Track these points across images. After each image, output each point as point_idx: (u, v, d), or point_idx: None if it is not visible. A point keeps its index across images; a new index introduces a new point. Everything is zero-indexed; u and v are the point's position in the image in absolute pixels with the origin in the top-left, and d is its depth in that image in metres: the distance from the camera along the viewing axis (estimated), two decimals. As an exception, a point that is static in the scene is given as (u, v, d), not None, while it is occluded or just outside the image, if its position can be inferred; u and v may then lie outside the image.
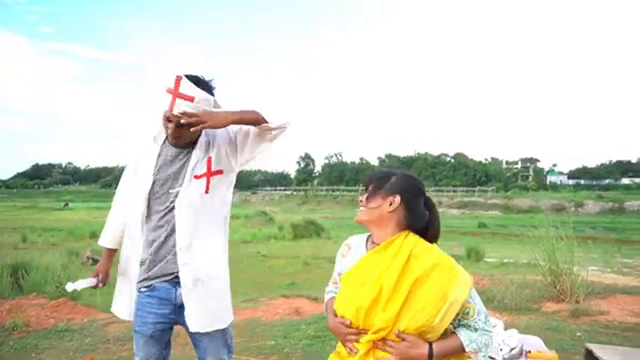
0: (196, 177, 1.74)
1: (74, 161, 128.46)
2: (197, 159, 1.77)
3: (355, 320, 1.35)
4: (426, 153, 75.56)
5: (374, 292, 1.32)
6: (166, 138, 1.80)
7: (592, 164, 76.56)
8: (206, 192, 1.75)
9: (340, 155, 74.91)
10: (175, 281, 1.75)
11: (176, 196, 1.73)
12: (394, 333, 1.31)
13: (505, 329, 2.32)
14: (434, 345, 1.32)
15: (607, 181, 63.46)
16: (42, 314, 4.27)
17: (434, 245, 1.43)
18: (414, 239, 1.40)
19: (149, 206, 1.76)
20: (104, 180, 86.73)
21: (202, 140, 1.80)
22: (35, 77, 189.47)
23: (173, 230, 1.73)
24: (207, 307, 1.73)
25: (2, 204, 43.44)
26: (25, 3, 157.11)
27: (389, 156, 77.04)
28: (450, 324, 1.34)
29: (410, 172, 1.51)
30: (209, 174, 1.76)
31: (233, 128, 1.81)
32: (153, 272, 1.76)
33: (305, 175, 75.98)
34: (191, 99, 1.64)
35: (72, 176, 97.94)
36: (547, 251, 5.28)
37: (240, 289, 7.61)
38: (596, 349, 2.11)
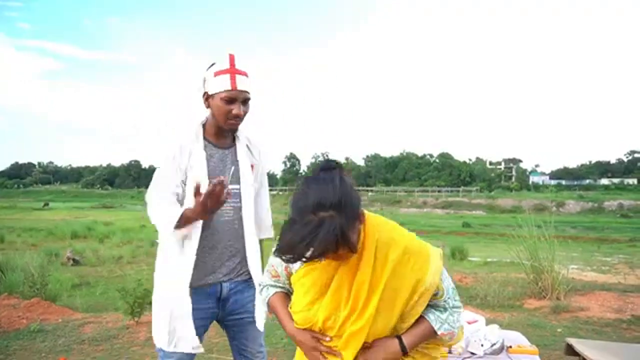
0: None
1: (55, 160, 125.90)
2: (244, 160, 1.80)
3: (323, 330, 1.21)
4: (411, 153, 76.06)
5: (343, 296, 1.17)
6: (205, 139, 1.76)
7: (572, 164, 78.21)
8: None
9: (327, 155, 74.97)
10: (227, 279, 1.76)
11: (239, 196, 1.75)
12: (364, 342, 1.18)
13: (487, 324, 2.29)
14: (404, 338, 1.20)
15: (587, 181, 64.76)
16: (14, 315, 4.12)
17: (392, 222, 1.25)
18: (370, 222, 1.19)
19: None
20: (86, 179, 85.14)
21: (242, 142, 1.83)
22: (13, 74, 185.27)
23: (240, 230, 1.75)
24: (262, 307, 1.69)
25: (-20, 204, 42.35)
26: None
27: (374, 156, 77.34)
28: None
29: (345, 179, 1.14)
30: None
31: (267, 166, 1.96)
32: (214, 275, 1.74)
33: (291, 175, 75.83)
34: (246, 74, 1.70)
35: (53, 175, 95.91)
36: (529, 250, 5.31)
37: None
38: (576, 343, 2.09)
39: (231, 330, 1.85)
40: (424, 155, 76.21)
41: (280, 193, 55.44)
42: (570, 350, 2.10)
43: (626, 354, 2.04)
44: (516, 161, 78.83)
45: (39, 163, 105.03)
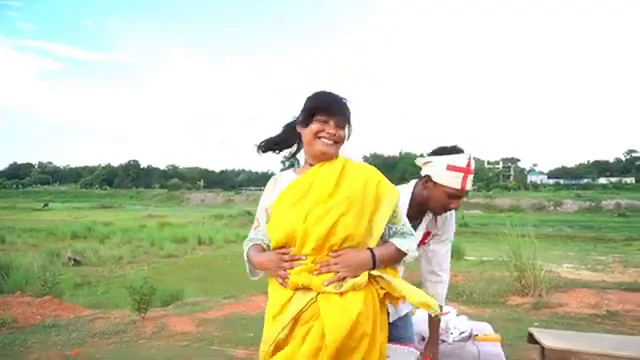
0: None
1: (54, 160, 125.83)
2: (421, 229, 1.92)
3: (291, 243, 1.37)
4: (410, 153, 76.24)
5: (310, 205, 1.36)
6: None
7: (571, 164, 78.52)
8: None
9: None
10: None
11: None
12: (330, 253, 1.34)
13: (471, 319, 2.56)
14: (375, 250, 1.38)
15: (585, 181, 64.90)
16: (29, 311, 4.38)
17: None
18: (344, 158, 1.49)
19: None
20: (85, 180, 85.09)
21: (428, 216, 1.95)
22: (13, 74, 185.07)
23: None
24: None
25: (-21, 205, 42.48)
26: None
27: (373, 155, 77.52)
28: (383, 235, 1.43)
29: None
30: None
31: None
32: None
33: (290, 175, 75.90)
34: (473, 173, 1.79)
35: (52, 176, 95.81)
36: (512, 249, 5.58)
37: (223, 286, 7.76)
38: (536, 332, 2.34)
39: None
40: (422, 155, 76.19)
41: (279, 193, 55.38)
42: (532, 339, 2.35)
43: (580, 341, 2.30)
44: (514, 160, 79.03)
45: (39, 163, 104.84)
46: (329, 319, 1.28)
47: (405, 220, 1.50)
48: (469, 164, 1.75)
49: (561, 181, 68.20)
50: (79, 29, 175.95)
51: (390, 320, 1.73)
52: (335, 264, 1.33)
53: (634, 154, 73.39)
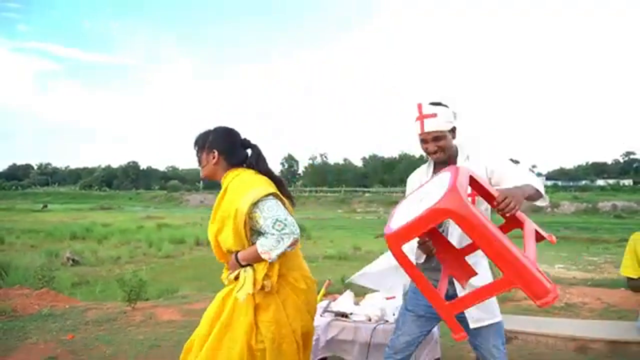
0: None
1: (53, 161, 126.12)
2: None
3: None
4: (409, 155, 76.52)
5: (211, 222, 1.94)
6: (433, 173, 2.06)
7: (569, 165, 78.76)
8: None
9: (326, 157, 75.34)
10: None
11: None
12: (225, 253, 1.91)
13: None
14: (239, 254, 1.85)
15: (583, 182, 65.14)
16: (27, 302, 4.71)
17: (257, 176, 1.91)
18: (234, 173, 1.94)
19: None
20: (84, 181, 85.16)
21: (461, 163, 2.03)
22: (12, 76, 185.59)
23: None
24: (479, 307, 1.85)
25: (-22, 206, 42.71)
26: (3, 0, 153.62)
27: (372, 157, 77.78)
28: (252, 237, 1.83)
29: (223, 126, 2.02)
30: (473, 194, 1.93)
31: (493, 170, 2.01)
32: (429, 277, 1.99)
33: (289, 176, 76.26)
34: (434, 115, 1.99)
35: (51, 177, 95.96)
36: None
37: (218, 286, 8.01)
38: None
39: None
40: (422, 157, 76.20)
41: (278, 194, 55.64)
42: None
43: (517, 323, 2.62)
44: (513, 162, 79.07)
45: (39, 164, 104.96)
46: None
47: (267, 222, 1.79)
48: (419, 110, 2.01)
49: (559, 183, 68.48)
50: (79, 30, 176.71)
51: None
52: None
53: (632, 156, 73.76)
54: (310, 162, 76.11)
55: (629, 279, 2.49)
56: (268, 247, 1.75)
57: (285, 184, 2.03)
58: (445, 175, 1.55)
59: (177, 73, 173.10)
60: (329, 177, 67.36)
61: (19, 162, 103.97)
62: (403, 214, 1.54)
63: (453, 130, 2.06)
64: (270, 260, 1.78)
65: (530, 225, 1.67)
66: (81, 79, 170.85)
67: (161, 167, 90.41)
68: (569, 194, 47.77)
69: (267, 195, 1.80)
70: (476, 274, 1.83)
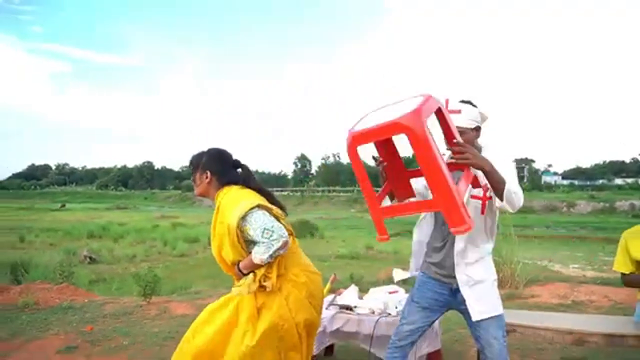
0: (473, 197, 1.96)
1: (70, 162, 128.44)
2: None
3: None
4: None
5: (212, 239, 2.09)
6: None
7: (586, 164, 77.29)
8: (482, 213, 1.97)
9: (339, 156, 75.23)
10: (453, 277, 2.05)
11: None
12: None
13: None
14: (240, 265, 2.01)
15: (600, 181, 63.89)
16: (48, 296, 4.94)
17: (244, 191, 2.06)
18: (224, 191, 2.08)
19: (436, 221, 2.13)
20: (101, 181, 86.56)
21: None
22: (28, 77, 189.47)
23: (453, 241, 2.03)
24: (481, 301, 2.00)
25: (-1, 205, 43.82)
26: (18, 2, 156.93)
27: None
28: (249, 247, 1.96)
29: (216, 148, 2.18)
30: (485, 198, 1.95)
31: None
32: (435, 272, 2.11)
33: (302, 176, 76.38)
34: (458, 112, 2.01)
35: (69, 177, 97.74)
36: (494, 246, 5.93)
37: (231, 283, 8.18)
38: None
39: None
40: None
41: (291, 194, 56.22)
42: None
43: (518, 317, 2.70)
44: (528, 161, 78.06)
45: (57, 164, 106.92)
46: None
47: (256, 231, 1.94)
48: (445, 105, 1.97)
49: (576, 182, 67.27)
50: (93, 32, 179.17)
51: None
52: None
53: (650, 155, 72.18)
54: (323, 161, 76.15)
55: (622, 274, 2.61)
56: (260, 254, 1.92)
57: (274, 195, 2.17)
58: (419, 99, 1.60)
59: (191, 73, 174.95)
60: (341, 176, 67.30)
61: (38, 163, 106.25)
62: (372, 121, 1.61)
63: (477, 130, 2.06)
64: (264, 263, 1.95)
65: (473, 174, 1.78)
66: (95, 80, 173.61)
67: (175, 167, 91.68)
68: (585, 194, 46.95)
69: (252, 208, 1.95)
70: (414, 195, 1.93)
